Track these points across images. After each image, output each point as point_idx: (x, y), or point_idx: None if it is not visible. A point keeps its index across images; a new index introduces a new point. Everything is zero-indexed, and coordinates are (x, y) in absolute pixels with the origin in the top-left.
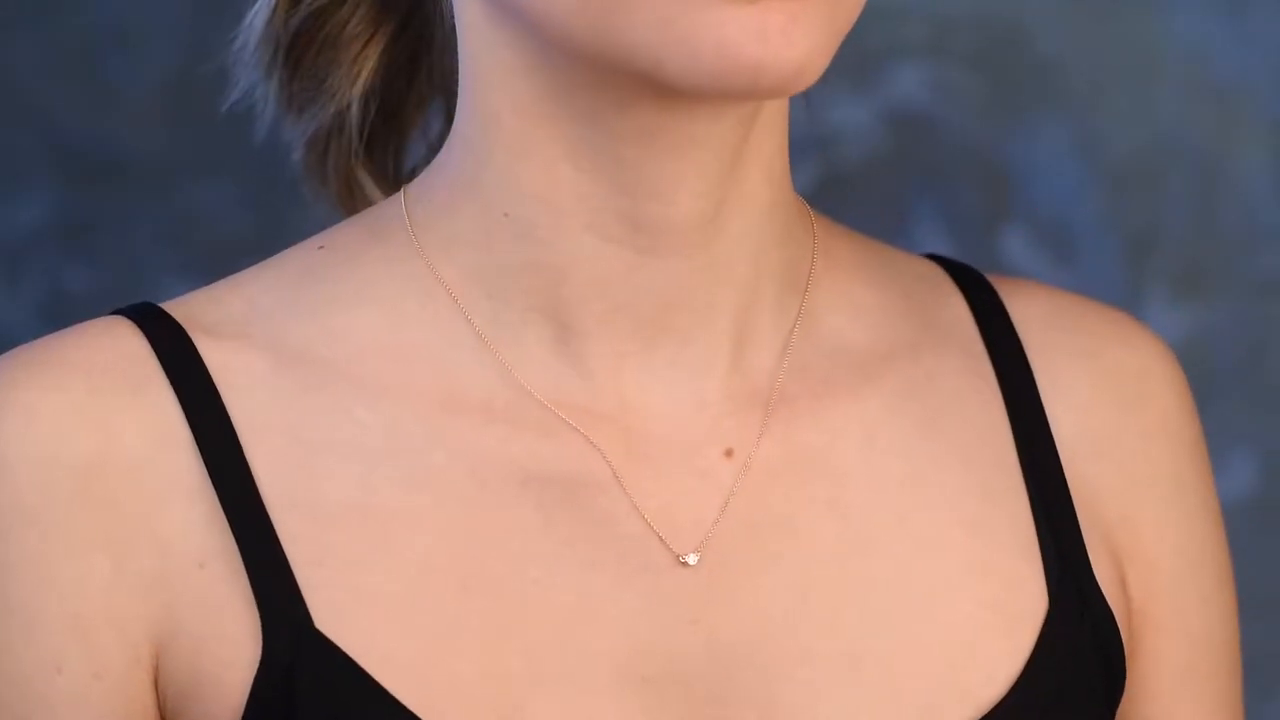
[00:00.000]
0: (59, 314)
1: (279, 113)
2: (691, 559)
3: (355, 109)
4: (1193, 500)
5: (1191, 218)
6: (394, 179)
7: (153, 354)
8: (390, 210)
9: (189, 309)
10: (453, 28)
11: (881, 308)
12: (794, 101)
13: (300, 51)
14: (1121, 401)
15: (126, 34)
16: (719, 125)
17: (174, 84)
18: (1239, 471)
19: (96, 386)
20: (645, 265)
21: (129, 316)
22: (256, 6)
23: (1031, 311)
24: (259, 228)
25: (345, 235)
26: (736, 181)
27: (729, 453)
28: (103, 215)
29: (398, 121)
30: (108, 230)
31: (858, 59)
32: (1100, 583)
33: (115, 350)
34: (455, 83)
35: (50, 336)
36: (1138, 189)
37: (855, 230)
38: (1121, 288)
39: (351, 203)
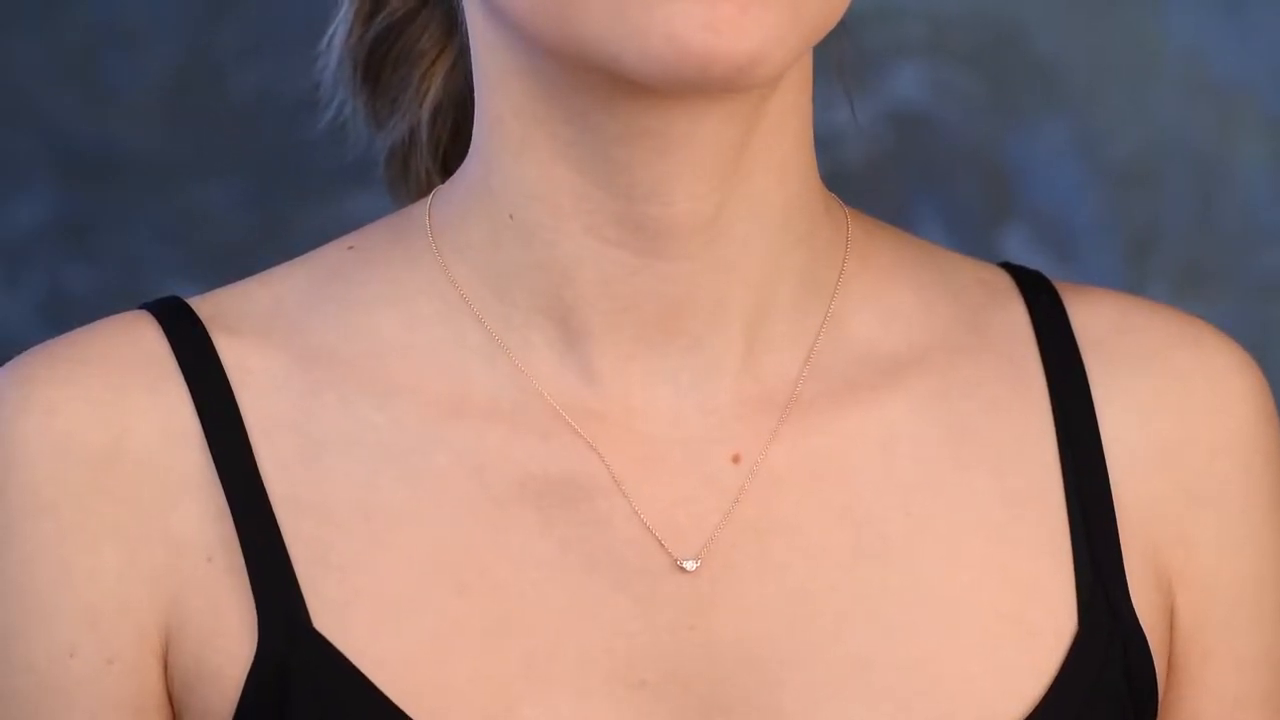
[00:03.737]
0: (59, 314)
1: (368, 127)
2: (690, 564)
3: (425, 125)
4: (1261, 522)
5: (1191, 217)
6: None
7: (170, 352)
8: (416, 213)
9: (215, 305)
10: None
11: (921, 310)
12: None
13: (377, 69)
14: (1189, 410)
15: (126, 34)
16: (704, 124)
17: (174, 84)
18: None
19: (113, 383)
20: (647, 267)
21: (153, 312)
22: (334, 26)
23: (1096, 317)
24: (259, 227)
25: (373, 236)
26: (740, 182)
27: (736, 458)
28: (102, 215)
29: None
30: (107, 230)
31: (858, 59)
32: (1136, 604)
33: (133, 347)
34: None
35: (75, 332)
36: (1137, 188)
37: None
38: (1121, 287)
39: None
